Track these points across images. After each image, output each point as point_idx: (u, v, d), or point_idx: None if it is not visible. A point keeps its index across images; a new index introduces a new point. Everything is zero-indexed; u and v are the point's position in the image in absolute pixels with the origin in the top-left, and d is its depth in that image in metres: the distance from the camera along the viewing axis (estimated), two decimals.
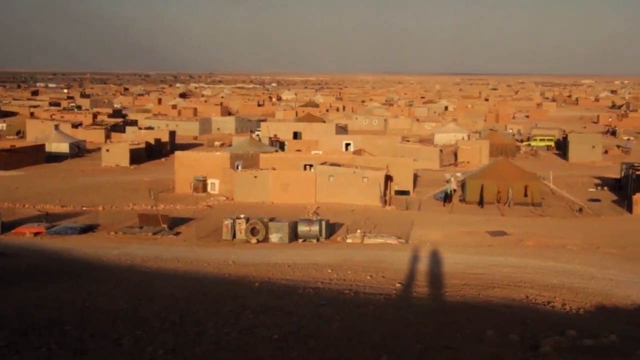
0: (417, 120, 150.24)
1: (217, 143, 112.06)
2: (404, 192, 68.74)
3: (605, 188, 75.01)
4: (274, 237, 46.59)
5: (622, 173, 74.73)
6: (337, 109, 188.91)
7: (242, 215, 48.01)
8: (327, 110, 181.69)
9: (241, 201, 62.44)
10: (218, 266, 37.99)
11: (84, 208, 59.90)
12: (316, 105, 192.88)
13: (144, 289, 30.50)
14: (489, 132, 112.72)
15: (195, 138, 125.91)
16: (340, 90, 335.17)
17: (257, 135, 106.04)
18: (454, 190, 67.50)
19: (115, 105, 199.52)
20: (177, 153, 76.19)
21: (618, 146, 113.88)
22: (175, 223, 52.17)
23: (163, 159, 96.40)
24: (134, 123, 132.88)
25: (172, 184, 71.55)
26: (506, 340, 21.38)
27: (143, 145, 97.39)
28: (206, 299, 28.13)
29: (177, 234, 49.75)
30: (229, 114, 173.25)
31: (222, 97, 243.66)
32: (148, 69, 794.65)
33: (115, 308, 26.00)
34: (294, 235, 47.00)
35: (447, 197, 66.01)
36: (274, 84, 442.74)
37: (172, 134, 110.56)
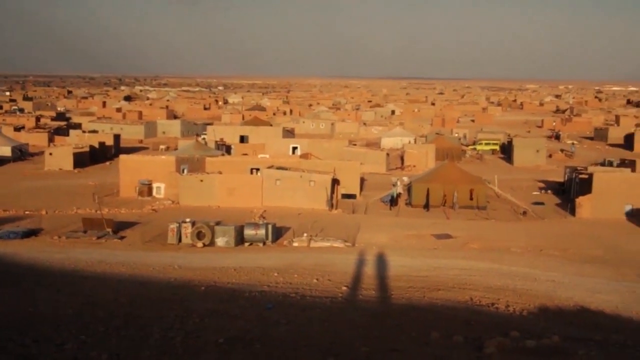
0: (364, 124, 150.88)
1: (162, 147, 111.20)
2: (351, 196, 68.92)
3: (549, 191, 76.16)
4: (220, 241, 46.36)
5: (566, 177, 75.93)
6: (284, 113, 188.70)
7: (187, 219, 47.68)
8: (274, 114, 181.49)
9: (187, 205, 62.03)
10: (163, 270, 37.61)
11: (27, 212, 58.90)
12: (263, 109, 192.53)
13: (88, 294, 30.05)
14: (435, 136, 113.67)
15: (141, 142, 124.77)
16: (287, 93, 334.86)
17: (203, 138, 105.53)
18: (400, 194, 67.91)
19: (59, 108, 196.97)
20: (122, 157, 75.47)
21: (562, 150, 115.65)
22: (120, 227, 51.54)
23: (107, 163, 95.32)
24: (77, 126, 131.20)
25: (116, 188, 70.82)
26: (451, 342, 21.53)
27: (87, 149, 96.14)
28: (151, 303, 27.81)
29: (122, 238, 49.14)
30: (175, 117, 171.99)
31: (167, 100, 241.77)
32: (92, 72, 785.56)
33: (59, 313, 25.57)
34: (240, 239, 46.81)
35: (393, 201, 66.36)
36: (220, 87, 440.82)
37: (117, 137, 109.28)
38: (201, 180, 63.82)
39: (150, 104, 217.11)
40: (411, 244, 48.06)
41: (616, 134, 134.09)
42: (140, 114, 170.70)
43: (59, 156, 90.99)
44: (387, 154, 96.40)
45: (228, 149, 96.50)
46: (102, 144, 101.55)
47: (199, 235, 46.61)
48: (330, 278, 35.61)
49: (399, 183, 69.26)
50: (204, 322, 23.83)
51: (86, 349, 19.93)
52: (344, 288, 33.42)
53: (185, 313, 25.32)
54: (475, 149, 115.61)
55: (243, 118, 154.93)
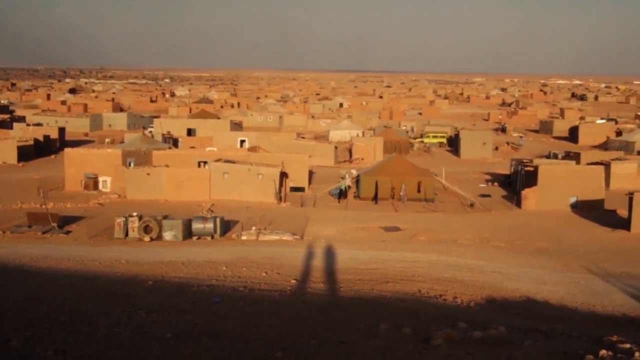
0: (312, 117, 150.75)
1: (108, 140, 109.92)
2: (299, 189, 68.89)
3: (496, 184, 76.98)
4: (167, 235, 45.99)
5: (512, 169, 76.89)
6: (232, 106, 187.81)
7: (134, 213, 47.18)
8: (222, 107, 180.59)
9: (134, 199, 61.37)
10: (110, 265, 37.22)
11: None
12: (210, 102, 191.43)
13: (34, 289, 29.60)
14: (383, 129, 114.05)
15: (86, 135, 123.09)
16: (234, 86, 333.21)
17: (150, 131, 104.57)
18: (349, 187, 68.07)
19: (2, 101, 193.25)
20: (67, 150, 74.29)
21: (508, 143, 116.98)
22: (65, 222, 50.82)
23: (52, 156, 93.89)
24: (21, 119, 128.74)
25: (61, 182, 69.77)
26: (399, 334, 21.63)
27: (31, 142, 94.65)
28: (98, 298, 27.49)
29: (68, 232, 48.47)
30: (121, 110, 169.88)
31: (113, 93, 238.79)
32: (36, 64, 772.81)
33: (4, 308, 25.16)
34: (188, 233, 46.48)
35: (341, 194, 66.48)
36: (167, 80, 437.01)
37: (62, 130, 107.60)
38: (148, 174, 63.20)
39: (96, 97, 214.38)
40: (360, 236, 48.20)
41: (561, 127, 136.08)
42: (85, 106, 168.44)
43: (3, 150, 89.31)
44: (336, 147, 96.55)
45: (175, 142, 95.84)
46: (46, 137, 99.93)
47: (146, 230, 46.18)
48: (279, 271, 35.59)
49: (347, 176, 69.42)
50: (152, 316, 23.65)
51: (31, 345, 19.64)
52: (293, 281, 33.42)
53: (132, 308, 25.10)
54: (422, 141, 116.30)
55: (190, 111, 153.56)
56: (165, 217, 47.26)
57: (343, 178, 68.83)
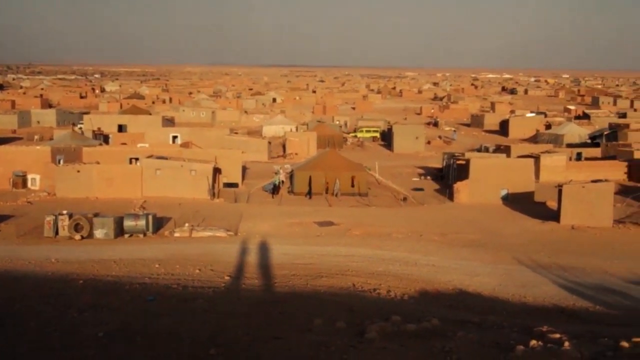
0: (245, 112, 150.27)
1: (37, 137, 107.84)
2: (233, 185, 68.59)
3: (428, 177, 77.76)
4: (98, 233, 45.28)
5: (444, 163, 77.74)
6: (164, 101, 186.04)
7: (64, 211, 46.32)
8: (153, 103, 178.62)
9: (64, 197, 60.29)
10: (40, 264, 36.49)
11: None
12: (142, 97, 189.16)
13: None
14: (316, 124, 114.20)
15: (14, 132, 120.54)
16: (166, 81, 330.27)
17: (80, 128, 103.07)
18: (283, 182, 67.99)
19: None
20: None
21: (440, 137, 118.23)
22: None
23: None
24: None
25: None
26: (333, 328, 21.65)
27: None
28: (27, 298, 26.91)
29: None
30: (50, 106, 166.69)
31: (42, 89, 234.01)
32: None
33: None
34: (119, 231, 45.85)
35: (275, 189, 66.38)
36: (97, 75, 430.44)
37: None
38: (78, 171, 62.17)
39: (24, 93, 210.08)
40: (294, 231, 48.19)
41: (492, 121, 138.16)
42: (13, 103, 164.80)
43: None
44: (269, 142, 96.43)
45: (106, 139, 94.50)
46: None
47: (77, 228, 45.40)
48: (212, 268, 35.36)
49: (281, 171, 69.34)
50: (83, 316, 23.24)
51: None
52: (227, 278, 33.24)
53: (63, 308, 24.64)
54: (356, 136, 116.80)
55: (121, 107, 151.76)
56: (96, 215, 46.54)
57: (277, 173, 68.74)
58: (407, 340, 19.82)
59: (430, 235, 47.75)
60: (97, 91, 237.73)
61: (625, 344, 18.20)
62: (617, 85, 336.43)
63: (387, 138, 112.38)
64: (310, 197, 64.73)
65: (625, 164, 77.10)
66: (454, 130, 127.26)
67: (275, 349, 18.92)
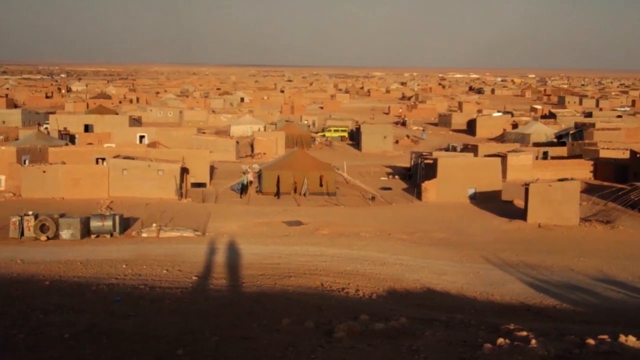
0: (213, 111, 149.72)
1: (2, 137, 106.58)
2: (201, 185, 68.33)
3: (396, 177, 77.97)
4: (65, 234, 44.89)
5: (412, 162, 77.99)
6: (131, 101, 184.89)
7: (30, 212, 45.84)
8: (120, 102, 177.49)
9: (29, 197, 59.65)
10: (5, 266, 36.06)
11: None
12: (108, 97, 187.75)
13: None
14: (284, 124, 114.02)
15: None
16: (133, 81, 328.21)
17: (46, 128, 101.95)
18: (251, 182, 67.82)
19: None
20: None
21: (408, 136, 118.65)
22: None
23: None
24: None
25: None
26: (301, 328, 21.64)
27: None
28: None
29: None
30: (15, 106, 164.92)
31: (7, 89, 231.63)
32: None
33: None
34: (86, 231, 45.49)
35: (243, 189, 66.18)
36: (63, 75, 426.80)
37: None
38: (44, 172, 61.56)
39: None
40: (262, 231, 48.10)
41: (459, 120, 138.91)
42: None
43: None
44: (237, 142, 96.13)
45: (72, 139, 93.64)
46: None
47: (43, 228, 44.97)
48: (180, 268, 35.19)
49: (249, 171, 69.19)
50: (49, 317, 23.04)
51: None
52: (195, 278, 33.10)
53: (28, 309, 24.42)
54: (324, 135, 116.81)
55: (87, 106, 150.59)
56: (62, 216, 46.12)
57: (245, 173, 68.56)
58: (375, 339, 19.84)
59: (399, 234, 47.89)
60: (63, 91, 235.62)
61: (591, 341, 18.33)
62: (583, 85, 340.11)
63: (355, 137, 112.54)
64: (278, 197, 64.64)
65: (591, 162, 77.86)
66: (423, 130, 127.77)
67: (243, 349, 18.86)
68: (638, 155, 71.95)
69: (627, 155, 75.41)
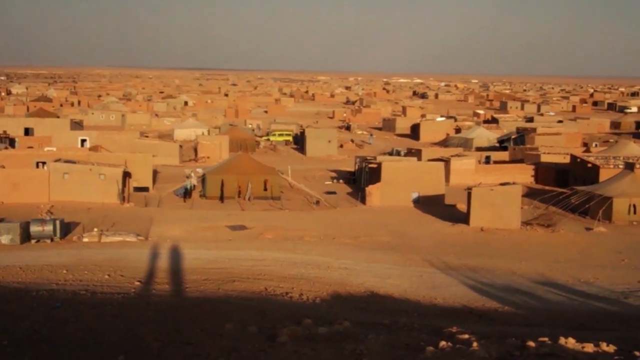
0: (156, 115, 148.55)
1: None
2: (143, 189, 67.64)
3: (341, 181, 78.13)
4: (4, 239, 44.02)
5: (356, 166, 78.26)
6: (72, 104, 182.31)
7: None
8: (61, 105, 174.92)
9: None
10: None
11: None
12: (49, 100, 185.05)
13: None
14: (228, 128, 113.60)
15: None
16: (74, 84, 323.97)
17: None
18: (194, 186, 67.39)
19: None
20: None
21: (352, 140, 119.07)
22: None
23: None
24: None
25: None
26: (244, 333, 21.57)
27: None
28: None
29: None
30: None
31: None
32: None
33: None
34: (26, 236, 44.67)
35: (187, 193, 65.76)
36: (2, 77, 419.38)
37: None
38: None
39: None
40: (206, 236, 47.84)
41: (403, 125, 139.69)
42: None
43: None
44: (180, 146, 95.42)
45: (12, 142, 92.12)
46: None
47: None
48: (122, 273, 34.82)
49: (192, 175, 68.71)
50: None
51: None
52: (137, 283, 32.78)
53: None
54: (268, 139, 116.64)
55: (28, 109, 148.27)
56: (1, 220, 45.34)
57: (188, 177, 68.08)
58: (318, 343, 19.86)
59: (343, 238, 48.00)
60: (2, 94, 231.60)
61: (531, 343, 18.59)
62: (525, 90, 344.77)
63: (299, 142, 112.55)
64: (222, 201, 64.31)
65: (533, 167, 78.97)
66: (371, 135, 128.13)
67: (185, 354, 18.74)
68: (578, 160, 73.13)
69: (567, 159, 76.57)
